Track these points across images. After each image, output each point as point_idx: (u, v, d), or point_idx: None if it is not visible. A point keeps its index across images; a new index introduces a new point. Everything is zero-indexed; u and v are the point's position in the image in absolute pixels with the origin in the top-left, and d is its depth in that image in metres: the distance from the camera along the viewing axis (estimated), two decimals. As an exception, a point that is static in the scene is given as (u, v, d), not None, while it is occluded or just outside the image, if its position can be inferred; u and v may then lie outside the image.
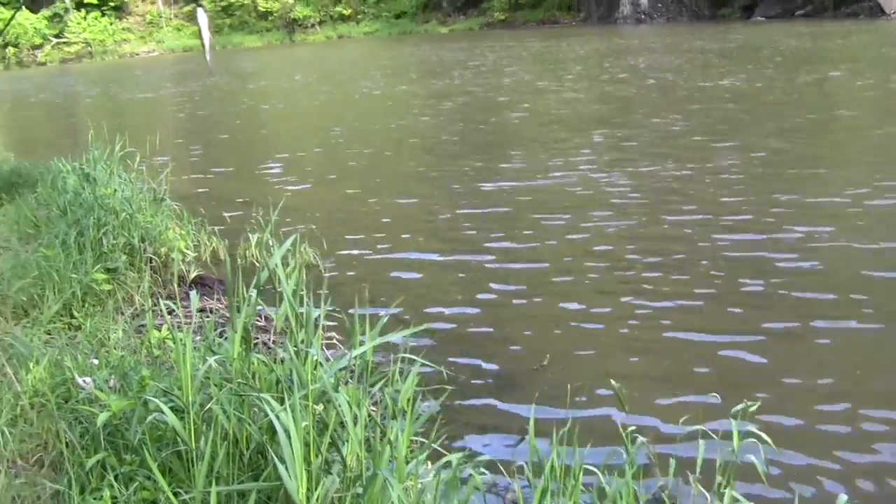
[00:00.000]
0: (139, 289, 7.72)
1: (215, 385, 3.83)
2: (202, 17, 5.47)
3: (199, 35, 5.40)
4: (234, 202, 12.18)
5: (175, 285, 7.08)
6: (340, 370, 3.66)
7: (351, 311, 4.34)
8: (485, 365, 6.38)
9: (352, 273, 8.76)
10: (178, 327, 5.02)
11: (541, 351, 6.51)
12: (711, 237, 8.94)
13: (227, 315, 7.22)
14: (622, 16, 61.92)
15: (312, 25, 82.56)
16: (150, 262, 8.20)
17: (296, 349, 3.64)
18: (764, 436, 4.09)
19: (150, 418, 3.76)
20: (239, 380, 3.78)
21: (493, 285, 8.11)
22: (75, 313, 7.07)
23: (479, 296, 7.87)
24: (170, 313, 7.25)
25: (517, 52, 40.25)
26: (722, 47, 33.40)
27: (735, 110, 17.84)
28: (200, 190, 13.64)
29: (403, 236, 10.09)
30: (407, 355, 4.18)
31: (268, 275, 3.78)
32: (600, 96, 22.36)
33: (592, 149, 14.47)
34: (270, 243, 8.67)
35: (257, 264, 8.86)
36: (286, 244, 3.90)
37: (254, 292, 4.00)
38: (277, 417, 3.15)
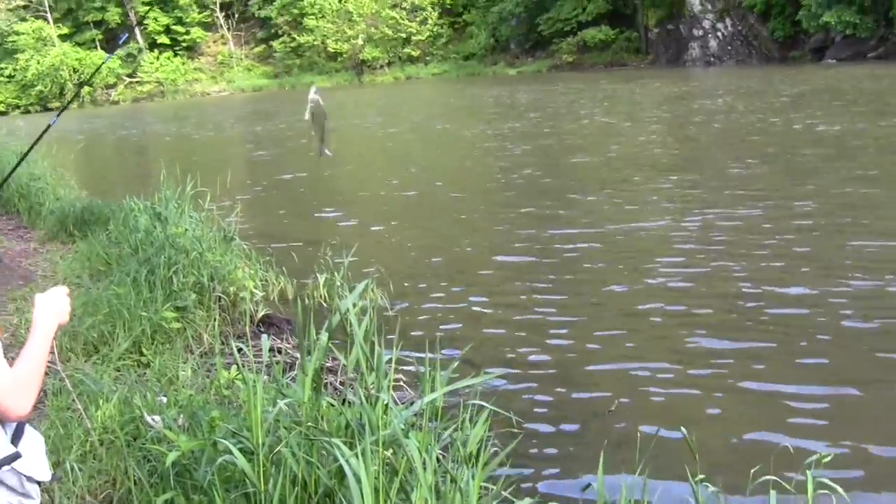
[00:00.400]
0: (208, 327, 7.76)
1: (285, 428, 3.83)
2: (316, 100, 5.53)
3: (313, 118, 5.41)
4: (301, 242, 12.21)
5: (247, 326, 7.10)
6: (414, 416, 3.65)
7: (418, 355, 4.32)
8: (552, 411, 6.33)
9: (415, 317, 8.71)
10: (248, 368, 5.04)
11: (606, 399, 6.45)
12: (779, 289, 8.73)
13: (295, 355, 7.24)
14: (691, 58, 61.59)
15: (381, 66, 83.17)
16: (219, 301, 8.24)
17: (366, 393, 3.63)
18: (839, 489, 3.98)
19: (220, 460, 3.77)
20: (309, 423, 3.77)
21: (555, 332, 8.03)
22: (144, 351, 7.13)
23: (542, 343, 7.77)
24: (238, 352, 7.30)
25: (589, 94, 39.76)
26: (799, 90, 32.64)
27: (811, 155, 17.35)
28: (267, 229, 13.69)
29: (467, 282, 9.99)
30: (476, 402, 4.15)
31: (339, 319, 3.78)
32: (675, 139, 21.98)
33: (662, 194, 14.24)
34: (339, 284, 8.78)
35: (325, 305, 8.89)
36: (358, 289, 3.90)
37: (324, 335, 4.01)
38: (348, 462, 3.14)
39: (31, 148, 4.30)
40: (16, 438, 2.69)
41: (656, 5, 65.31)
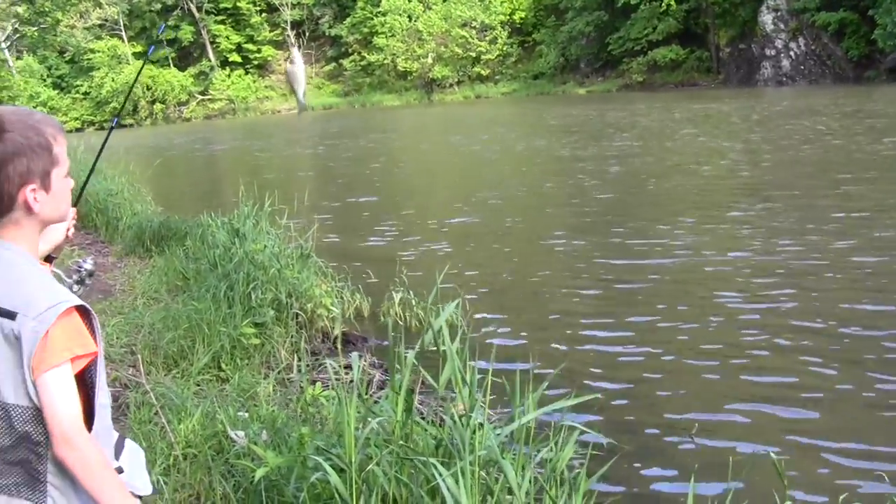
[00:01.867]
0: (285, 343, 7.80)
1: (375, 446, 3.82)
2: (297, 61, 5.65)
3: (288, 76, 5.56)
4: (372, 260, 12.16)
5: (333, 343, 7.10)
6: (508, 436, 3.63)
7: (491, 376, 4.29)
8: (634, 435, 6.26)
9: (488, 339, 8.55)
10: (332, 386, 5.04)
11: (687, 424, 6.37)
12: (865, 332, 8.21)
13: (371, 372, 7.25)
14: (763, 78, 60.97)
15: (450, 85, 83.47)
16: (297, 318, 8.28)
17: (460, 413, 3.62)
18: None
19: (313, 477, 3.76)
20: (401, 442, 3.76)
21: (629, 361, 7.93)
22: (223, 366, 7.18)
23: (615, 371, 7.69)
24: (315, 369, 7.33)
25: (669, 114, 38.62)
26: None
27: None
28: (339, 247, 13.69)
29: (539, 307, 9.87)
30: (569, 423, 4.13)
31: (432, 337, 3.77)
32: (765, 162, 21.04)
33: (744, 221, 13.70)
34: (414, 303, 8.78)
35: (400, 323, 8.88)
36: (450, 307, 3.89)
37: (410, 354, 4.00)
38: (444, 482, 3.12)
39: (99, 156, 4.36)
40: (117, 452, 2.70)
41: (728, 25, 64.91)
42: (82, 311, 2.42)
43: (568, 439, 4.03)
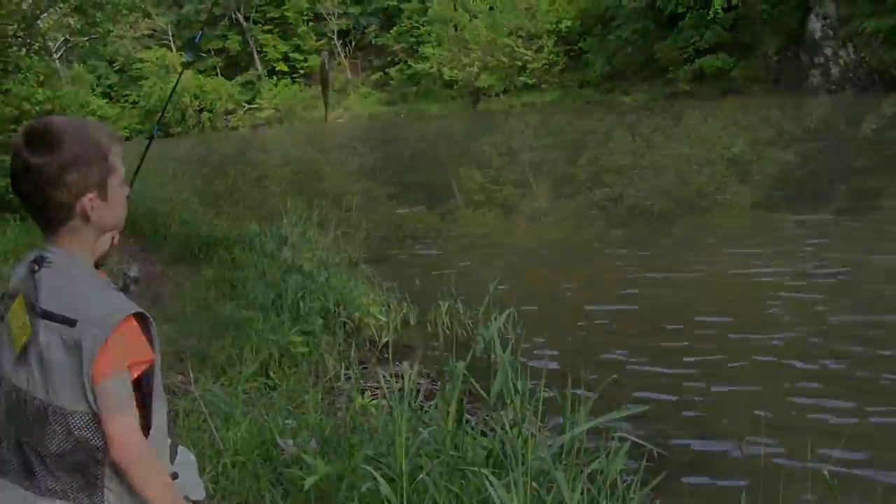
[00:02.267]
0: (333, 352, 7.81)
1: (426, 455, 3.82)
2: (325, 58, 5.72)
3: (322, 80, 5.75)
4: (420, 269, 12.13)
5: (390, 353, 7.09)
6: (559, 448, 3.61)
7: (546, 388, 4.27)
8: (684, 451, 6.20)
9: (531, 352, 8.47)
10: (383, 395, 5.04)
11: (736, 441, 6.31)
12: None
13: (419, 381, 7.24)
14: (811, 86, 60.22)
15: (496, 94, 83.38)
16: (344, 326, 8.30)
17: (512, 424, 3.61)
18: None
19: (364, 486, 3.76)
20: (451, 452, 3.76)
21: (679, 377, 7.84)
22: (271, 374, 7.20)
23: (664, 388, 7.58)
24: (362, 377, 7.33)
25: (718, 122, 37.77)
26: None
27: None
28: (388, 255, 13.64)
29: (593, 319, 9.72)
30: (621, 434, 4.10)
31: (483, 347, 3.76)
32: (820, 171, 20.47)
33: (797, 234, 13.30)
34: (461, 312, 8.75)
35: (447, 332, 8.86)
36: (501, 318, 3.88)
37: (460, 364, 3.99)
38: (496, 492, 3.11)
39: (139, 167, 4.42)
40: (172, 458, 2.73)
41: (776, 33, 64.35)
42: (140, 319, 2.45)
43: (618, 452, 4.00)
